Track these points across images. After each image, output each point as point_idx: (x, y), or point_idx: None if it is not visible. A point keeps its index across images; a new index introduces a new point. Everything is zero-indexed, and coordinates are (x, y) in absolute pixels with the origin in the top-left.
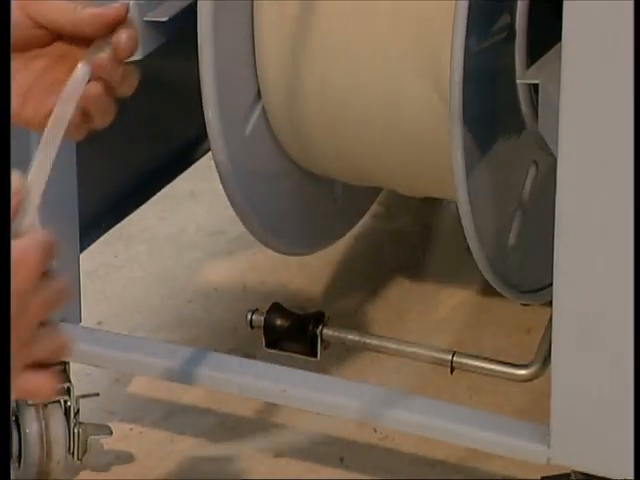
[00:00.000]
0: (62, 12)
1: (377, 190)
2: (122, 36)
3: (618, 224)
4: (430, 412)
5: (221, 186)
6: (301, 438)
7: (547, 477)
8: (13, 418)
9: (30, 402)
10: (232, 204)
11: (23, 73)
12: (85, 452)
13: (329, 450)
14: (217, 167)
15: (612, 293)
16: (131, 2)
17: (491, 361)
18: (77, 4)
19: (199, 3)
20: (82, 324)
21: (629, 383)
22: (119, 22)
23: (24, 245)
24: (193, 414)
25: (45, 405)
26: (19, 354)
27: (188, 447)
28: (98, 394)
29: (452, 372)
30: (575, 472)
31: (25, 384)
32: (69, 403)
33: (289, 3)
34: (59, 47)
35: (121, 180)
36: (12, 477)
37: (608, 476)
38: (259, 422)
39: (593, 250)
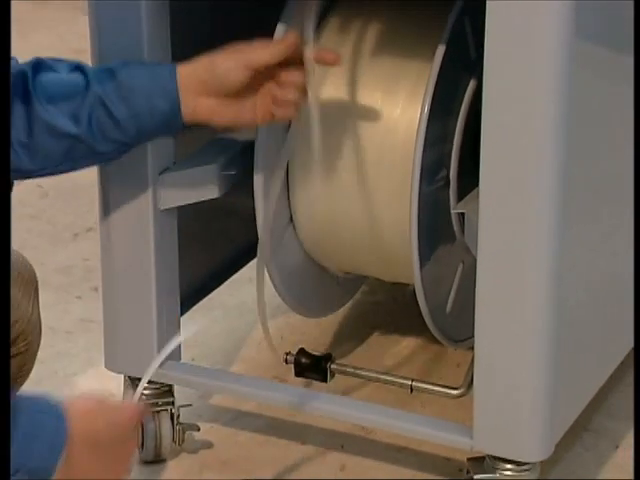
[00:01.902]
0: (264, 52)
1: (364, 277)
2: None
3: (517, 299)
4: (397, 417)
5: (267, 275)
6: (316, 432)
7: (471, 458)
8: None
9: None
10: (274, 286)
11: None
12: (183, 441)
13: (334, 440)
14: (265, 263)
15: (508, 343)
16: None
17: (435, 384)
18: (268, 44)
19: (255, 167)
20: (181, 361)
21: (520, 400)
22: (297, 43)
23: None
24: (250, 417)
25: (158, 412)
26: None
27: (247, 438)
28: (191, 404)
29: (412, 392)
30: (488, 455)
31: None
32: (173, 410)
33: (312, 177)
34: (258, 84)
35: (206, 271)
36: (137, 458)
37: (508, 457)
38: (291, 423)
39: (501, 317)
